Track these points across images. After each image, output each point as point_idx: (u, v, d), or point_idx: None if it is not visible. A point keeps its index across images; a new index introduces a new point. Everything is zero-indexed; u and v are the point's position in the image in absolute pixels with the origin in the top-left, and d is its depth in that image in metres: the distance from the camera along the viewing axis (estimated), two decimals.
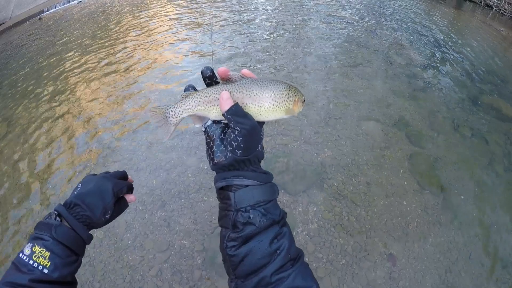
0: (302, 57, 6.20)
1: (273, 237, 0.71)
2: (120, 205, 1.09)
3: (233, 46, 6.48)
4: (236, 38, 6.90)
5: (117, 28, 7.47)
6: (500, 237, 3.61)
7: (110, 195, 1.02)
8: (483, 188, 4.06)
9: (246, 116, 0.75)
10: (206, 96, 0.80)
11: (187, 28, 7.38)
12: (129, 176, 1.19)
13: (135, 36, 7.08)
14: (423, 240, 3.47)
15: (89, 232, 0.99)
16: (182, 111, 0.83)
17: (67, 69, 6.07)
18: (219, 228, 0.79)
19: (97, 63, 6.14)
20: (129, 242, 3.24)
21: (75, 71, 5.94)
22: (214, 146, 0.77)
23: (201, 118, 0.84)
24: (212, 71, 0.81)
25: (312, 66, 5.89)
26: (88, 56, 6.42)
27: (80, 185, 1.02)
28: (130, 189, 1.14)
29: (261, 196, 0.73)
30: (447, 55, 6.82)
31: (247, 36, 6.89)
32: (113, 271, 3.04)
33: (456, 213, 3.74)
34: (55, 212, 0.94)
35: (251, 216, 0.71)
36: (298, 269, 0.69)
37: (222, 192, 0.77)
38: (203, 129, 0.83)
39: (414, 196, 3.82)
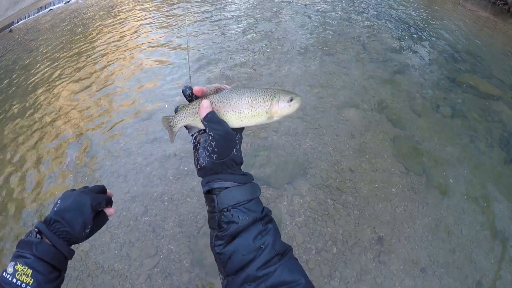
0: (277, 47, 6.14)
1: (257, 234, 0.75)
2: (99, 219, 1.10)
3: (208, 40, 6.38)
4: (208, 29, 6.82)
5: (90, 33, 7.30)
6: (487, 211, 3.65)
7: (89, 209, 1.03)
8: (467, 165, 4.08)
9: (220, 122, 0.81)
10: (193, 108, 0.89)
11: (162, 27, 7.24)
12: (108, 190, 1.20)
13: (108, 39, 6.92)
14: (411, 222, 3.48)
15: (71, 247, 1.01)
16: (178, 121, 0.94)
17: (40, 79, 5.90)
18: (204, 229, 0.88)
19: (72, 70, 5.98)
20: (116, 252, 3.17)
21: (49, 80, 5.78)
22: (198, 153, 0.83)
23: (194, 127, 0.91)
24: (191, 89, 0.88)
25: (288, 57, 5.84)
26: (62, 64, 6.25)
27: (59, 201, 1.03)
28: (109, 203, 1.15)
29: (241, 196, 0.78)
30: (422, 37, 6.84)
31: (221, 31, 6.80)
32: (102, 284, 2.97)
33: (442, 192, 3.75)
34: (36, 229, 0.95)
35: (233, 215, 0.76)
36: (285, 264, 0.72)
37: (208, 196, 0.83)
38: (192, 138, 0.90)
39: (400, 178, 3.82)
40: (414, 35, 6.87)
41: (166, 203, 3.52)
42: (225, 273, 0.76)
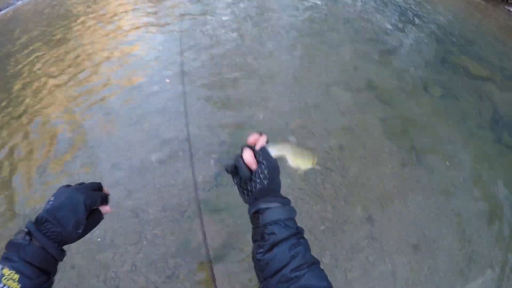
0: (266, 26, 6.02)
1: (291, 245, 0.88)
2: (94, 218, 1.07)
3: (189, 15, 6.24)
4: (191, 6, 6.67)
5: (74, 20, 7.06)
6: (478, 188, 3.62)
7: (82, 208, 0.99)
8: (456, 143, 4.05)
9: (271, 155, 1.02)
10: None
11: (150, 12, 7.04)
12: (104, 187, 1.17)
13: (93, 25, 6.69)
14: (402, 199, 3.42)
15: (63, 247, 0.97)
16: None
17: (22, 72, 5.69)
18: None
19: (57, 60, 5.76)
20: (99, 239, 3.02)
21: (33, 71, 5.56)
22: (247, 184, 0.99)
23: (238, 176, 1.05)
24: (234, 166, 1.03)
25: (276, 35, 5.72)
26: (46, 55, 6.04)
27: (52, 198, 0.99)
28: (104, 200, 1.12)
29: (282, 215, 0.94)
30: (413, 20, 6.76)
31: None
32: (87, 274, 2.84)
33: (432, 170, 3.70)
34: (25, 229, 0.92)
35: (275, 228, 0.90)
36: (312, 271, 0.85)
37: (254, 215, 0.98)
38: (235, 181, 1.06)
39: (389, 157, 3.75)
40: (405, 18, 6.79)
41: (149, 186, 3.39)
42: (262, 278, 0.90)
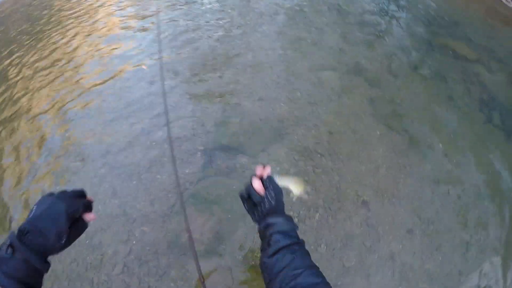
0: (251, 11, 5.90)
1: (293, 251, 1.01)
2: (78, 227, 1.02)
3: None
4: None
5: (54, 15, 6.83)
6: (470, 167, 3.57)
7: (64, 217, 0.94)
8: (447, 124, 3.98)
9: (276, 182, 1.19)
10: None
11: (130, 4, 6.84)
12: (87, 194, 1.12)
13: (74, 21, 6.47)
14: (395, 183, 3.33)
15: (48, 258, 0.93)
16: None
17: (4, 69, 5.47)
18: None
19: (39, 57, 5.55)
20: (87, 241, 2.91)
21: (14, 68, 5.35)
22: (257, 207, 1.13)
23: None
24: (247, 193, 1.18)
25: (262, 20, 5.61)
26: (29, 52, 5.81)
27: (35, 207, 0.95)
28: (88, 208, 1.08)
29: (286, 227, 1.08)
30: (400, 2, 6.69)
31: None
32: (78, 277, 2.73)
33: (424, 151, 3.63)
34: (8, 241, 0.87)
35: (279, 237, 1.04)
36: (309, 270, 0.96)
37: (263, 231, 1.12)
38: (243, 196, 1.21)
39: (380, 139, 3.66)
40: (391, 0, 6.71)
41: (135, 182, 3.27)
42: (268, 279, 1.01)
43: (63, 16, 6.42)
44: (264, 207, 1.13)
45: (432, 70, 4.72)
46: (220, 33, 5.31)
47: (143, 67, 4.64)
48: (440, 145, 3.71)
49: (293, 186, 1.35)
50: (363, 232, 2.97)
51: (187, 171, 3.29)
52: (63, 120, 4.00)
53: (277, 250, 1.02)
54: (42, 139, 3.82)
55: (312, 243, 2.86)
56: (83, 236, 1.07)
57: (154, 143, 3.56)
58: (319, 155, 3.43)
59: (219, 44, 5.02)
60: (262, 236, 1.13)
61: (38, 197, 0.97)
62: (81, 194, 1.09)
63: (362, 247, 2.90)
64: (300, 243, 1.07)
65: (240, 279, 2.67)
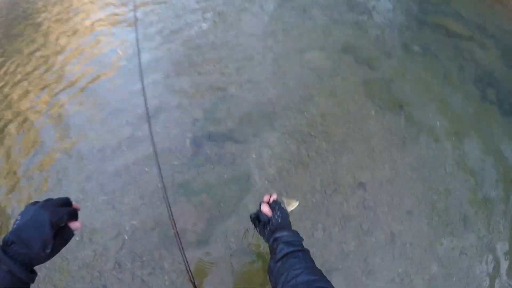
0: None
1: (296, 257, 1.14)
2: (63, 236, 1.00)
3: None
4: None
5: (36, 13, 6.61)
6: (467, 144, 3.50)
7: (48, 227, 0.93)
8: (442, 101, 3.90)
9: (281, 205, 1.42)
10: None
11: None
12: (73, 202, 1.11)
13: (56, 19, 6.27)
14: (392, 162, 3.25)
15: (34, 268, 0.93)
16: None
17: None
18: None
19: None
20: (77, 239, 2.80)
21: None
22: (266, 226, 1.33)
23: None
24: (257, 216, 1.41)
25: (246, 3, 5.41)
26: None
27: (19, 217, 0.95)
28: (73, 216, 1.06)
29: (291, 238, 1.23)
30: None
31: None
32: (70, 277, 2.63)
33: (420, 129, 3.55)
34: None
35: (284, 246, 1.19)
36: (308, 270, 1.08)
37: (272, 245, 1.27)
38: (253, 219, 1.43)
39: (375, 119, 3.57)
40: None
41: (123, 175, 3.14)
42: (274, 283, 1.12)
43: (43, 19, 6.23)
44: (272, 225, 1.31)
45: (424, 48, 4.61)
46: (204, 20, 5.15)
47: (118, 51, 4.52)
48: (438, 123, 3.63)
49: (288, 206, 1.57)
50: (361, 214, 2.90)
51: (175, 162, 3.17)
52: (48, 118, 3.84)
53: (282, 257, 1.15)
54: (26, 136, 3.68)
55: (309, 228, 2.78)
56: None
57: (141, 134, 3.43)
58: (312, 138, 3.33)
59: (203, 30, 4.85)
60: (271, 249, 1.27)
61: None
62: (66, 202, 1.08)
63: (360, 230, 2.83)
64: (304, 251, 1.20)
65: (235, 268, 2.60)
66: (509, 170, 3.35)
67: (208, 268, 2.60)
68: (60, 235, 0.98)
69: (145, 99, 2.33)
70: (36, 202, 1.00)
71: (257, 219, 1.40)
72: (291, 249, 1.17)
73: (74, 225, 1.04)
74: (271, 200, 1.43)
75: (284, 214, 1.35)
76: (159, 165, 2.11)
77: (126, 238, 2.77)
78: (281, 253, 1.16)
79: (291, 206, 1.58)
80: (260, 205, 1.42)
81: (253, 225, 1.45)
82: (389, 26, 4.98)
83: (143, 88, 2.48)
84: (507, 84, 4.22)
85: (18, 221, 0.93)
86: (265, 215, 1.36)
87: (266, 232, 1.34)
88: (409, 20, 5.21)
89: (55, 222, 0.95)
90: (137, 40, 3.62)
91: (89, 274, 2.61)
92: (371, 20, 5.09)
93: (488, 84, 4.19)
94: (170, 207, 1.87)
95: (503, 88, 4.15)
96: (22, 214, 0.95)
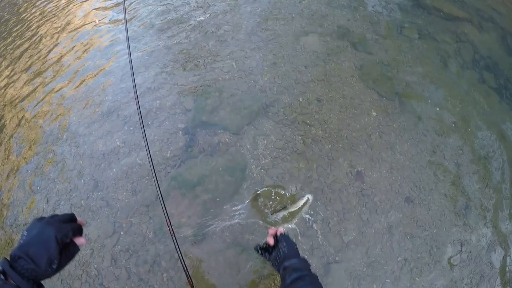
0: None
1: (302, 279, 1.23)
2: (68, 251, 1.02)
3: None
4: None
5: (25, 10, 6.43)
6: (467, 130, 3.44)
7: (53, 243, 0.95)
8: (440, 86, 3.82)
9: (288, 236, 1.50)
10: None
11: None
12: (78, 217, 1.12)
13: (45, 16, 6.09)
14: (389, 150, 3.18)
15: (41, 282, 0.95)
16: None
17: None
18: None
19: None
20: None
21: None
22: (276, 257, 1.41)
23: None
24: (264, 247, 1.53)
25: None
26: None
27: (25, 233, 0.97)
28: (78, 232, 1.07)
29: (298, 265, 1.32)
30: None
31: None
32: (69, 275, 2.59)
33: (418, 115, 3.47)
34: (0, 268, 0.89)
35: (292, 272, 1.27)
36: (310, 286, 1.22)
37: (283, 273, 1.33)
38: (258, 249, 1.53)
39: (371, 104, 3.49)
40: None
41: (115, 171, 3.05)
42: None
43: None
44: (280, 255, 1.41)
45: (419, 30, 4.52)
46: (198, 7, 5.00)
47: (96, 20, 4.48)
48: (436, 108, 3.56)
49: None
50: (360, 203, 2.84)
51: (167, 154, 3.08)
52: (41, 110, 3.76)
53: (290, 282, 1.23)
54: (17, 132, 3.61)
55: (308, 220, 2.72)
56: None
57: (132, 128, 3.33)
58: (308, 125, 3.24)
59: (197, 17, 4.71)
60: (281, 277, 1.34)
61: None
62: (71, 218, 1.09)
63: (360, 220, 2.77)
64: (312, 276, 1.28)
65: (231, 261, 2.55)
66: (509, 155, 3.31)
67: (204, 262, 2.55)
68: (66, 251, 1.00)
69: (136, 92, 2.22)
70: (43, 218, 1.02)
71: (266, 250, 1.51)
72: (299, 274, 1.26)
73: (79, 240, 1.06)
74: (278, 234, 1.50)
75: (290, 244, 1.45)
76: (153, 167, 2.01)
77: (122, 234, 2.72)
78: (290, 279, 1.25)
79: (297, 205, 1.82)
80: (266, 238, 1.52)
81: (258, 253, 1.53)
82: (384, 8, 4.87)
83: (133, 80, 2.37)
84: (506, 67, 4.14)
85: (24, 237, 0.96)
86: (272, 246, 1.48)
87: (276, 263, 1.43)
88: (405, 2, 5.09)
89: (61, 239, 0.97)
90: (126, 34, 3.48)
91: (85, 272, 2.58)
92: (365, 2, 4.97)
93: (487, 69, 4.12)
94: (165, 208, 1.83)
95: (501, 71, 4.08)
96: (28, 229, 0.98)
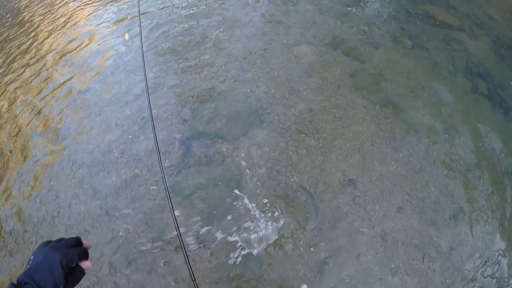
0: None
1: None
2: (74, 275, 1.02)
3: None
4: None
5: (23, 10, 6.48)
6: (458, 138, 3.50)
7: (59, 268, 0.96)
8: (432, 94, 3.89)
9: None
10: None
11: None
12: (84, 241, 1.13)
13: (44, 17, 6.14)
14: (382, 158, 3.24)
15: None
16: None
17: None
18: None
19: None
20: None
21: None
22: None
23: None
24: None
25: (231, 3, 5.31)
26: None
27: (32, 258, 0.99)
28: (84, 255, 1.08)
29: None
30: None
31: None
32: None
33: (410, 124, 3.53)
34: None
35: None
36: None
37: None
38: None
39: (364, 114, 3.55)
40: None
41: (114, 179, 3.11)
42: None
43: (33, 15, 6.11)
44: None
45: (412, 39, 4.59)
46: (193, 17, 5.07)
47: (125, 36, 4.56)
48: (429, 117, 3.62)
49: None
50: (351, 211, 2.89)
51: (165, 164, 3.14)
52: (42, 116, 3.81)
53: None
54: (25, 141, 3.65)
55: (299, 228, 2.76)
56: None
57: (130, 137, 3.39)
58: (301, 135, 3.31)
59: (192, 27, 4.77)
60: None
61: None
62: (77, 242, 1.10)
63: (351, 227, 2.81)
64: None
65: (232, 266, 2.59)
66: (499, 164, 3.37)
67: (204, 268, 2.59)
68: (71, 275, 1.01)
69: (149, 101, 2.26)
70: (49, 242, 1.03)
71: None
72: None
73: (84, 264, 1.07)
74: None
75: None
76: (163, 172, 2.08)
77: (120, 242, 2.75)
78: None
79: None
80: None
81: None
82: (377, 17, 4.95)
83: (147, 89, 2.43)
84: (498, 75, 4.21)
85: (31, 262, 0.97)
86: None
87: None
88: (397, 10, 5.18)
89: (66, 264, 0.98)
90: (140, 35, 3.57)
91: (85, 279, 2.57)
92: (358, 10, 5.06)
93: (479, 76, 4.18)
94: (173, 210, 1.83)
95: (494, 79, 4.15)
96: (34, 254, 0.99)
